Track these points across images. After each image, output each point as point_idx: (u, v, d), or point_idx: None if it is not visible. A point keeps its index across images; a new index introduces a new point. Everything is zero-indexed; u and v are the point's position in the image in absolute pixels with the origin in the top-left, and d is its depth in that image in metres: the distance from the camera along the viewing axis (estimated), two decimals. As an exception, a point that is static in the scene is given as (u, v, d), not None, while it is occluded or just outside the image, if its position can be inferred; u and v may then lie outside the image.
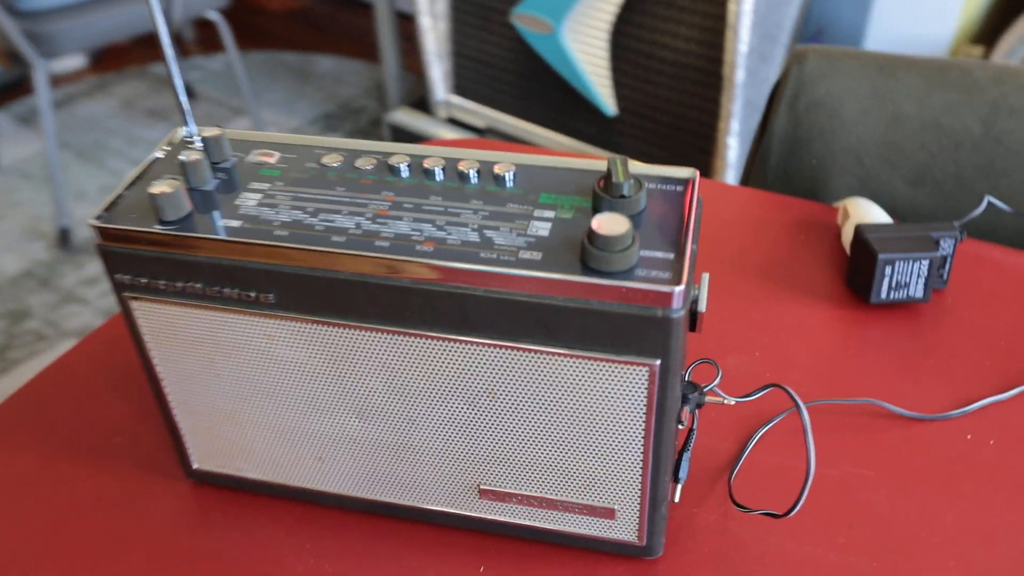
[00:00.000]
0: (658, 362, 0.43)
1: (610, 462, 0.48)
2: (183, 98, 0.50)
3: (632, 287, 0.41)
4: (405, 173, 0.49)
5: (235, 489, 0.57)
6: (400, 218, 0.46)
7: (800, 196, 0.86)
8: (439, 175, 0.49)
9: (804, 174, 0.84)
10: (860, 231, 0.68)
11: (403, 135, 2.20)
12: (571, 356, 0.44)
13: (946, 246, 0.67)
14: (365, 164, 0.50)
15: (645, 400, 0.45)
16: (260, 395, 0.51)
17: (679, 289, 0.41)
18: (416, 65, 2.29)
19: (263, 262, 0.45)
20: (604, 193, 0.45)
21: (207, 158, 0.49)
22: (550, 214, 0.46)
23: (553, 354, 0.44)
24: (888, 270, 0.66)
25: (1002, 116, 0.76)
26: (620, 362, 0.44)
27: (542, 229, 0.45)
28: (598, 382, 0.45)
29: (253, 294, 0.46)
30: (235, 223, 0.46)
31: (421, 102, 2.25)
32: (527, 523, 0.53)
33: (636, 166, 0.49)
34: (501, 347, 0.45)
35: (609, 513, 0.51)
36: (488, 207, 0.46)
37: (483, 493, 0.52)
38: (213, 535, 0.55)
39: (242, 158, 0.51)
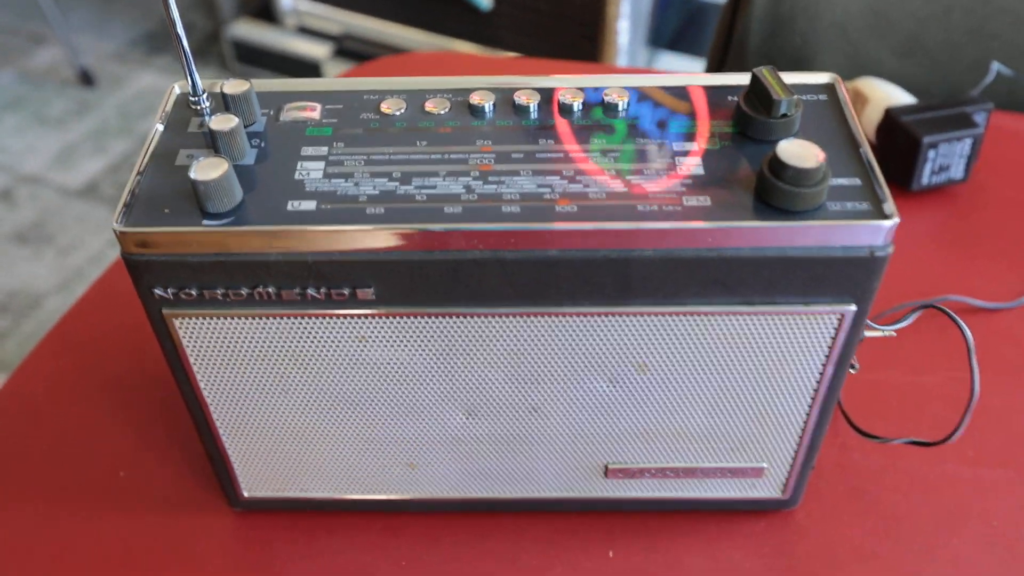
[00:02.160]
0: (853, 307, 0.37)
1: (771, 420, 0.42)
2: (185, 44, 0.38)
3: (835, 226, 0.35)
4: (491, 113, 0.40)
5: (293, 511, 0.48)
6: (516, 172, 0.37)
7: (785, 80, 0.81)
8: (534, 111, 0.40)
9: (788, 55, 0.79)
10: (892, 115, 0.64)
11: (248, 51, 1.99)
12: (750, 313, 0.37)
13: (980, 121, 0.64)
14: (438, 107, 0.40)
15: (827, 349, 0.39)
16: (341, 405, 0.42)
17: (889, 224, 0.35)
18: (250, -31, 2.07)
19: (360, 252, 0.35)
20: (757, 113, 0.38)
21: (240, 122, 0.37)
22: (693, 146, 0.38)
23: (728, 314, 0.37)
24: (932, 154, 0.62)
25: (992, -25, 0.72)
26: (808, 312, 0.37)
27: (694, 166, 0.37)
28: (777, 337, 0.38)
29: (347, 291, 0.36)
30: (308, 204, 0.36)
31: (264, 11, 2.03)
32: (657, 496, 0.47)
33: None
34: (665, 314, 0.37)
35: (757, 472, 0.45)
36: (615, 146, 0.38)
37: (610, 472, 0.45)
38: (288, 566, 0.46)
39: (274, 116, 0.40)
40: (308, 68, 1.90)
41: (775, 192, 0.35)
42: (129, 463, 0.50)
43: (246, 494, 0.47)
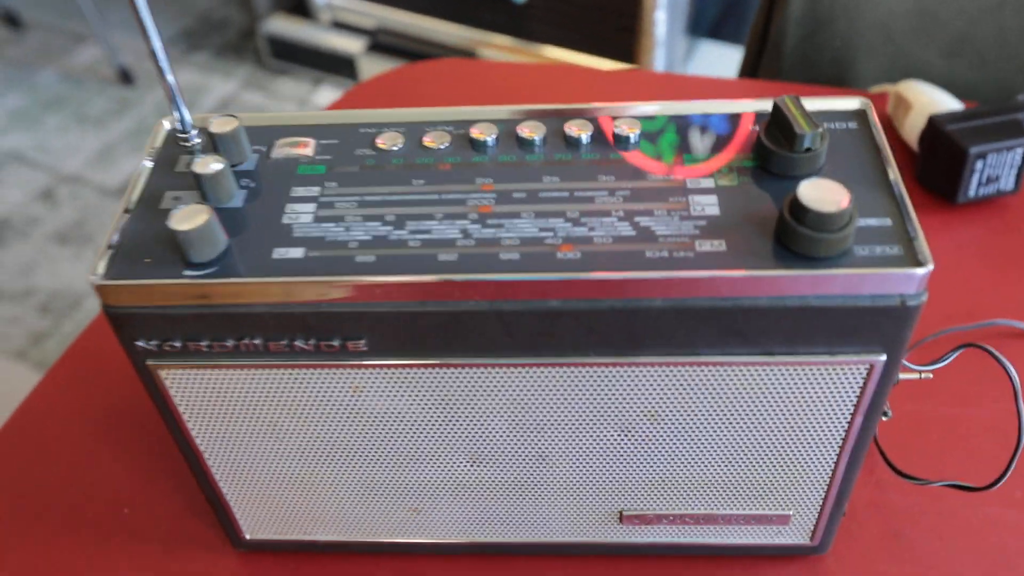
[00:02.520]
0: (883, 357, 0.34)
1: (796, 470, 0.39)
2: (170, 78, 0.36)
3: (863, 274, 0.32)
4: (493, 148, 0.37)
5: (300, 553, 0.46)
6: (517, 215, 0.34)
7: (823, 84, 0.77)
8: (539, 144, 0.37)
9: (826, 58, 0.75)
10: (936, 123, 0.60)
11: (283, 47, 1.98)
12: (770, 364, 0.35)
13: (1033, 128, 0.60)
14: (437, 142, 0.37)
15: (856, 399, 0.36)
16: (340, 454, 0.40)
17: (923, 272, 0.32)
18: (286, -37, 2.06)
19: (349, 302, 0.33)
20: (779, 147, 0.35)
21: (228, 164, 0.35)
22: (708, 182, 0.35)
23: (746, 364, 0.35)
24: (979, 164, 0.58)
25: (1046, -32, 0.68)
26: (834, 363, 0.34)
27: (709, 206, 0.34)
28: (800, 388, 0.36)
29: (337, 343, 0.34)
30: (296, 252, 0.34)
31: (299, 6, 2.02)
32: (676, 541, 0.44)
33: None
34: (677, 365, 0.35)
35: (783, 520, 0.42)
36: (625, 183, 0.35)
37: (625, 519, 0.43)
38: (290, 618, 0.44)
39: (265, 153, 0.38)
40: (343, 62, 1.89)
41: (796, 238, 0.32)
42: (134, 500, 0.49)
43: (248, 536, 0.45)
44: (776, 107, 0.35)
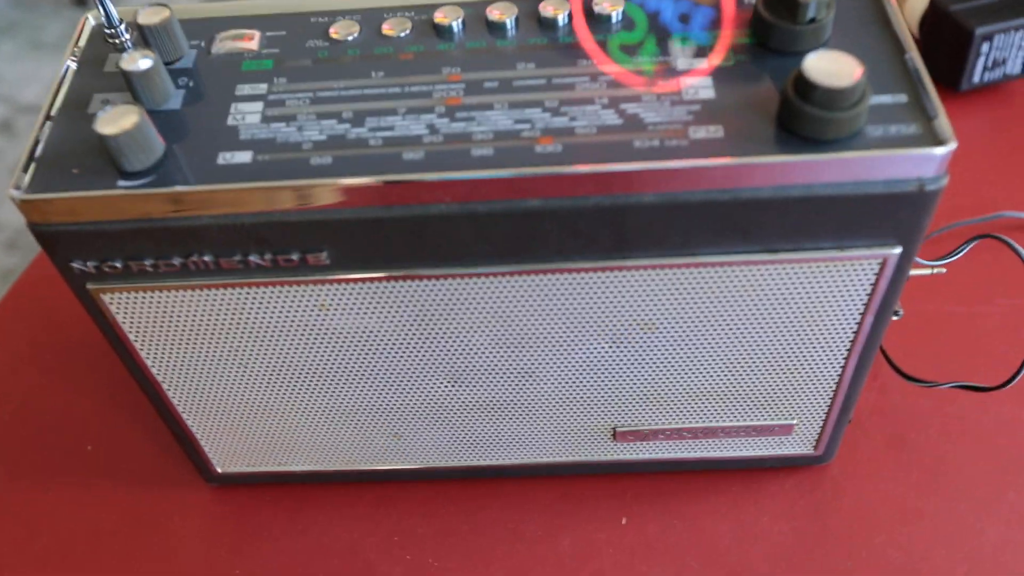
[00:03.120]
0: (898, 250, 0.31)
1: (801, 376, 0.37)
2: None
3: (877, 157, 0.28)
4: (460, 34, 0.33)
5: (275, 484, 0.44)
6: (489, 106, 0.31)
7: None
8: (511, 28, 0.33)
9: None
10: (939, 3, 0.56)
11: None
12: (774, 262, 0.31)
13: (1041, 6, 0.56)
14: (397, 29, 0.33)
15: (867, 298, 0.33)
16: (308, 378, 0.37)
17: (944, 151, 0.28)
18: None
19: (305, 211, 0.30)
20: (779, 19, 0.31)
21: (159, 59, 0.31)
22: (701, 63, 0.31)
23: (747, 263, 0.32)
24: (986, 47, 0.55)
25: None
26: (844, 259, 0.31)
27: (703, 88, 0.31)
28: (806, 288, 0.33)
29: (295, 256, 0.31)
30: (243, 156, 0.30)
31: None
32: (673, 456, 0.42)
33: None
34: (671, 267, 0.32)
35: (786, 430, 0.40)
36: (608, 67, 0.32)
37: (619, 436, 0.40)
38: (271, 544, 0.42)
39: (204, 49, 0.34)
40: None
41: (802, 118, 0.28)
42: (96, 436, 0.46)
43: (219, 470, 0.43)
44: (777, -27, 0.31)
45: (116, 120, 0.29)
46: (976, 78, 0.56)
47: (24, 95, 1.73)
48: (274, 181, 0.29)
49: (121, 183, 0.29)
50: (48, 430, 0.47)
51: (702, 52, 0.32)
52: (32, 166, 0.30)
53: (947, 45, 0.56)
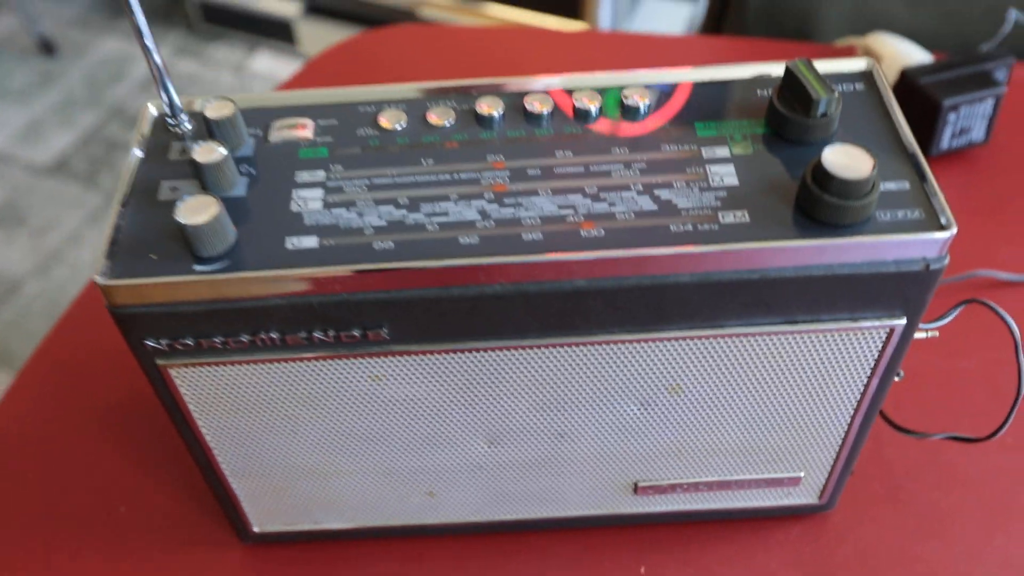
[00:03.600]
0: (903, 321, 0.34)
1: (811, 433, 0.40)
2: (156, 59, 0.34)
3: (887, 241, 0.32)
4: (500, 123, 0.36)
5: (309, 542, 0.46)
6: (534, 192, 0.34)
7: (788, 38, 0.77)
8: (547, 119, 0.36)
9: (790, 11, 0.75)
10: (909, 76, 0.61)
11: (215, 11, 1.90)
12: (792, 333, 0.35)
13: (1001, 78, 0.61)
14: (442, 119, 0.36)
15: (874, 363, 0.36)
16: (355, 442, 0.39)
17: (946, 236, 0.32)
18: (211, -77, 1.97)
19: (370, 291, 0.32)
20: (793, 113, 0.34)
21: (229, 152, 0.34)
22: (723, 151, 0.35)
23: (769, 334, 0.35)
24: (953, 117, 0.59)
25: (1005, -84, 0.68)
26: (855, 329, 0.35)
27: (727, 176, 0.34)
28: (821, 354, 0.36)
29: (357, 332, 0.33)
30: (309, 241, 0.32)
31: (230, -32, 1.95)
32: (688, 508, 0.45)
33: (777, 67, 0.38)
34: (700, 338, 0.35)
35: (794, 481, 0.43)
36: (640, 155, 0.35)
37: (640, 490, 0.43)
38: (303, 608, 0.44)
39: (261, 137, 0.36)
40: (279, 27, 1.84)
41: (820, 206, 0.32)
42: (130, 497, 0.48)
43: (256, 529, 0.44)
44: (789, 72, 0.35)
45: (196, 210, 0.31)
46: (944, 144, 0.61)
47: (-9, 144, 1.72)
48: (343, 266, 0.32)
49: (197, 267, 0.32)
50: (80, 492, 0.48)
51: (723, 141, 0.35)
52: (110, 252, 0.32)
53: (917, 114, 0.60)
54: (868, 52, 0.66)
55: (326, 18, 1.79)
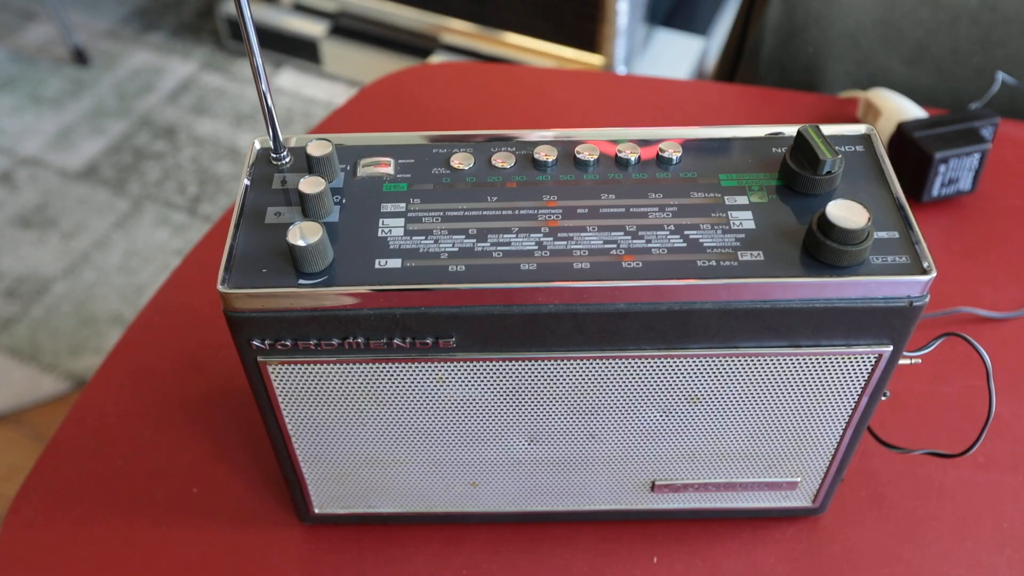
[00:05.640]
0: (890, 348, 0.41)
1: (808, 442, 0.46)
2: (268, 100, 0.40)
3: (879, 281, 0.38)
4: (554, 167, 0.43)
5: (359, 524, 0.52)
6: (583, 228, 0.40)
7: (796, 87, 0.84)
8: (594, 165, 0.43)
9: (800, 64, 0.82)
10: (905, 130, 0.67)
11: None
12: (796, 355, 0.41)
13: (988, 135, 0.67)
14: (504, 162, 0.43)
15: (864, 383, 0.43)
16: (414, 437, 0.45)
17: (927, 279, 0.38)
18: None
19: (444, 306, 0.38)
20: (803, 170, 0.41)
21: (327, 183, 0.40)
22: (743, 199, 0.41)
23: (777, 355, 0.41)
24: (943, 168, 0.66)
25: (997, -14, 0.75)
26: (849, 353, 0.41)
27: (746, 220, 0.40)
28: (819, 374, 0.42)
29: (430, 340, 0.40)
30: (394, 263, 0.39)
31: (258, -13, 2.03)
32: (698, 507, 0.51)
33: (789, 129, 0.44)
34: (718, 356, 0.41)
35: (791, 486, 0.49)
36: (672, 200, 0.41)
37: (656, 488, 0.49)
38: (360, 573, 0.50)
39: (350, 172, 0.42)
40: (305, 45, 1.91)
41: (823, 249, 0.38)
42: (201, 479, 0.54)
43: (317, 511, 0.50)
44: (800, 135, 0.41)
45: (304, 234, 0.37)
46: (935, 192, 0.67)
47: (24, 148, 1.79)
48: (423, 284, 0.38)
49: (301, 281, 0.38)
50: (158, 475, 0.54)
51: (743, 190, 0.41)
52: (229, 264, 0.38)
53: (911, 164, 0.67)
54: (869, 105, 0.73)
55: (351, 39, 1.87)
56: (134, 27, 2.11)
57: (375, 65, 1.87)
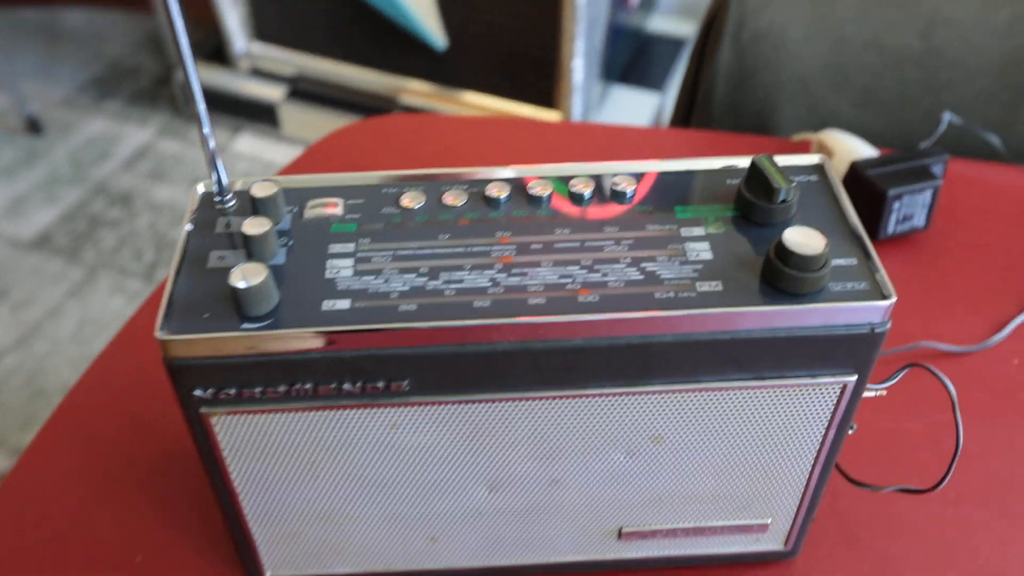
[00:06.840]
0: (854, 377, 0.40)
1: (776, 481, 0.45)
2: (212, 144, 0.39)
3: (839, 307, 0.37)
4: (506, 204, 0.42)
5: (315, 587, 0.49)
6: (538, 264, 0.39)
7: (749, 131, 0.84)
8: (547, 201, 0.42)
9: (751, 108, 0.83)
10: (857, 168, 0.68)
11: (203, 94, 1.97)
12: (759, 387, 0.40)
13: (938, 172, 0.68)
14: (455, 199, 0.42)
15: (830, 415, 0.42)
16: (370, 489, 0.43)
17: (888, 304, 0.37)
18: (198, 11, 2.06)
19: (396, 347, 0.37)
20: (758, 199, 0.40)
21: (272, 224, 0.39)
22: (699, 231, 0.40)
23: (740, 388, 0.40)
24: (897, 205, 0.66)
25: (939, 28, 0.77)
26: (814, 384, 0.40)
27: (703, 251, 0.39)
28: (784, 407, 0.41)
29: (382, 384, 0.38)
30: (343, 304, 0.37)
31: (216, 53, 2.03)
32: (668, 554, 0.49)
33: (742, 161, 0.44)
34: (680, 392, 0.40)
35: (762, 528, 0.48)
36: (628, 233, 0.40)
37: (624, 535, 0.47)
38: (312, 649, 0.47)
39: (297, 213, 0.41)
40: (263, 110, 1.91)
41: (782, 277, 0.37)
42: (145, 547, 0.51)
43: (269, 574, 0.48)
44: (754, 165, 0.41)
45: (247, 275, 0.36)
46: (890, 229, 0.68)
47: (-25, 219, 1.75)
48: (372, 324, 0.36)
49: (245, 325, 0.36)
50: (99, 544, 0.51)
51: (699, 222, 0.41)
52: (169, 311, 0.37)
53: (866, 202, 0.67)
54: (821, 147, 0.73)
55: (309, 102, 1.87)
56: (90, 96, 2.10)
57: (334, 127, 1.86)
